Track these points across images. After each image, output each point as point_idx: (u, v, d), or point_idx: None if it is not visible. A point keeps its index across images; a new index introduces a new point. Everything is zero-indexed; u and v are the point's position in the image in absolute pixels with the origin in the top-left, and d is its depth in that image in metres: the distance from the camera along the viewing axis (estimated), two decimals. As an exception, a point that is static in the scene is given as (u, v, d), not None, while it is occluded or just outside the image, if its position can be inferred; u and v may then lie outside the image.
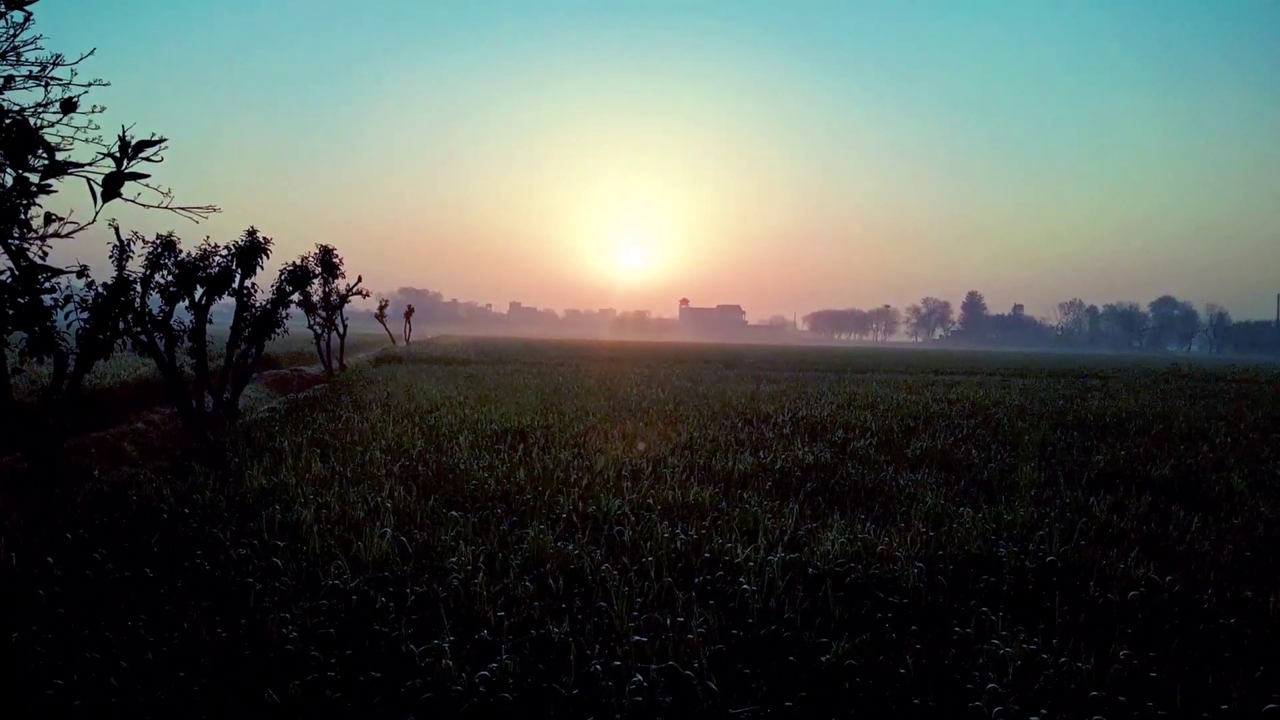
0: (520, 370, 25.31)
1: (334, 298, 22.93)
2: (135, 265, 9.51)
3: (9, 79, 4.10)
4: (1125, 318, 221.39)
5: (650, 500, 7.00)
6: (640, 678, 3.61)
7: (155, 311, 10.29)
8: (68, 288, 7.69)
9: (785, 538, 6.02)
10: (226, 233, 11.21)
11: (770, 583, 4.93)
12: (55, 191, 3.52)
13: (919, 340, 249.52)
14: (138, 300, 9.66)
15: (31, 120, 3.44)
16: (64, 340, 7.49)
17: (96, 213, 3.55)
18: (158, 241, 10.00)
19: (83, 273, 7.94)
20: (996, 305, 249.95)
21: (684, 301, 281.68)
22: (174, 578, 4.83)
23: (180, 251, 10.31)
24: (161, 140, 3.48)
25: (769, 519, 6.51)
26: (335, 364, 23.94)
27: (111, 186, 3.41)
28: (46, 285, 3.70)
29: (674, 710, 3.48)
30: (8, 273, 5.66)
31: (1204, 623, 4.61)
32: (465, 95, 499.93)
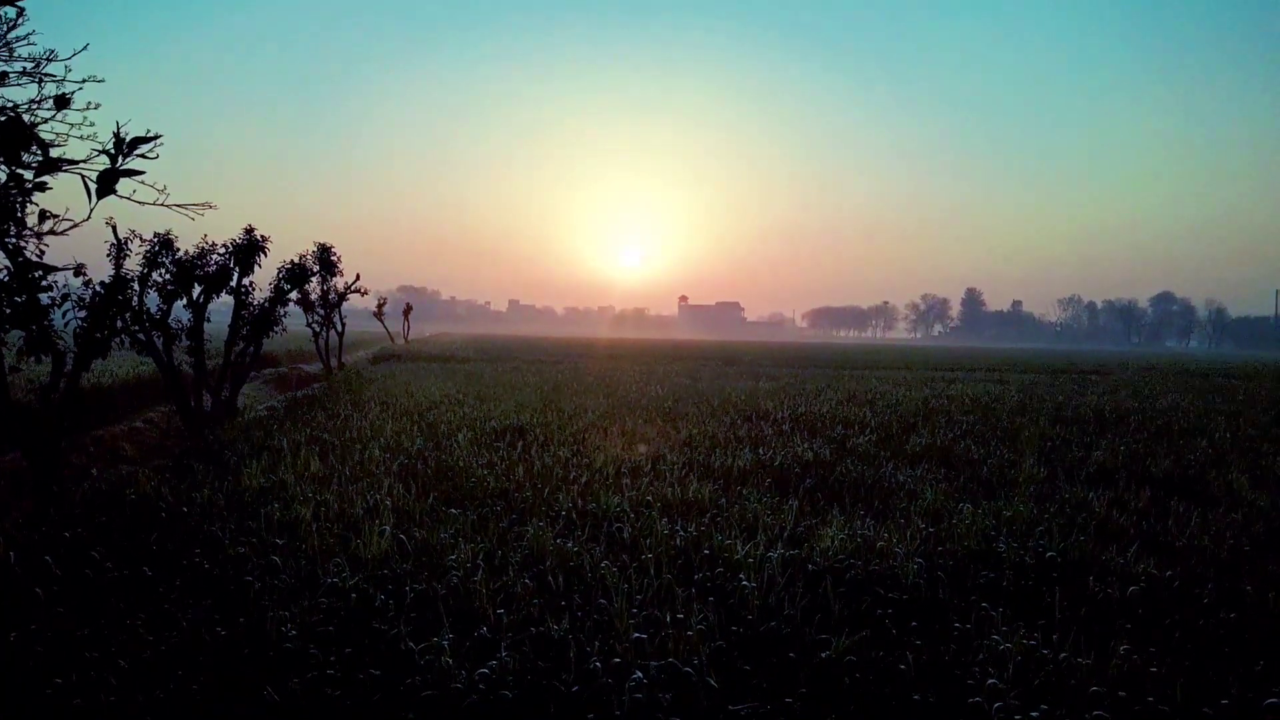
0: (519, 368, 25.30)
1: (332, 296, 22.91)
2: (133, 264, 9.50)
3: (2, 75, 4.09)
4: (1124, 313, 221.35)
5: (650, 497, 6.99)
6: (640, 675, 3.61)
7: (153, 310, 10.28)
8: (65, 286, 7.67)
9: (785, 534, 6.02)
10: (224, 231, 11.17)
11: (770, 579, 4.93)
12: (50, 189, 3.51)
13: (918, 337, 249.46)
14: (135, 299, 9.65)
15: (25, 116, 3.43)
16: (62, 339, 7.47)
17: (91, 210, 3.54)
18: (155, 240, 9.98)
19: (79, 271, 7.93)
20: (995, 301, 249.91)
21: (683, 299, 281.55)
22: (173, 576, 4.82)
23: (178, 250, 10.29)
24: (156, 137, 3.46)
25: (768, 515, 6.51)
26: (334, 362, 23.92)
27: (106, 183, 3.39)
28: (43, 284, 3.68)
29: (674, 707, 3.47)
30: (4, 271, 5.65)
31: (1204, 618, 4.61)
32: (464, 93, 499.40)
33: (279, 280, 13.00)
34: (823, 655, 3.96)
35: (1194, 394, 20.25)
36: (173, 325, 10.54)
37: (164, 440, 10.80)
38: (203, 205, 4.13)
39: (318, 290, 21.79)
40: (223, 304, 11.84)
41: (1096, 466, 9.16)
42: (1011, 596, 4.94)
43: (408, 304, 57.62)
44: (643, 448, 9.63)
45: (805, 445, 9.96)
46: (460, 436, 9.90)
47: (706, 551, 5.49)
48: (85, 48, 4.37)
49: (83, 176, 3.45)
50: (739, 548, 5.53)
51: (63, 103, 3.69)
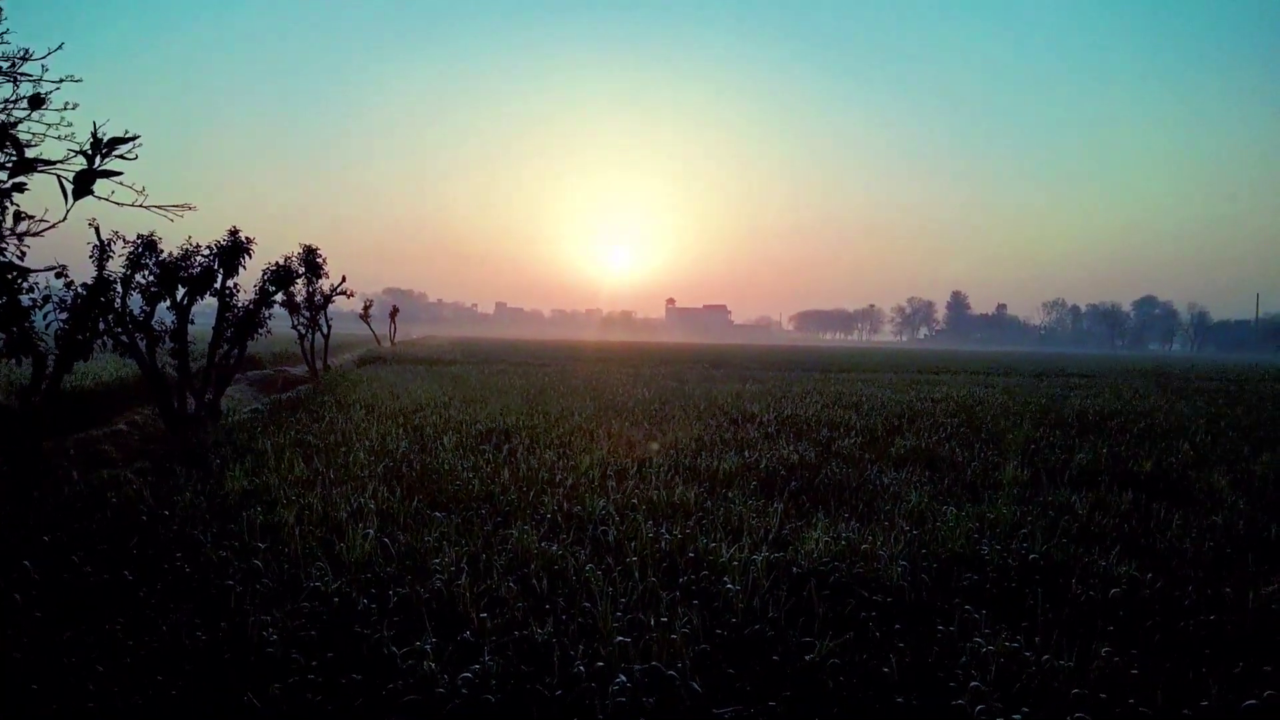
0: (506, 370, 25.25)
1: (318, 298, 22.81)
2: (116, 265, 9.44)
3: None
4: (1108, 317, 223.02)
5: (635, 500, 6.99)
6: (624, 678, 3.60)
7: (136, 312, 10.21)
8: (46, 288, 7.61)
9: (770, 537, 6.03)
10: (209, 232, 11.10)
11: (754, 582, 4.93)
12: (27, 189, 3.47)
13: (904, 340, 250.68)
14: (118, 300, 9.58)
15: (0, 116, 3.40)
16: (43, 341, 7.42)
17: (67, 211, 3.51)
18: (139, 241, 9.92)
19: (61, 273, 7.86)
20: (980, 305, 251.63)
21: (670, 301, 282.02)
22: (153, 580, 4.78)
23: (162, 251, 10.22)
24: (135, 137, 3.43)
25: (753, 518, 6.51)
26: (319, 364, 23.81)
27: (83, 184, 3.36)
28: (22, 285, 3.63)
29: (657, 711, 3.47)
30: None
31: (1185, 620, 4.64)
32: (452, 94, 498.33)
33: (264, 282, 12.92)
34: (806, 658, 3.96)
35: (1175, 397, 20.41)
36: (156, 327, 10.46)
37: (146, 443, 10.72)
38: (182, 206, 4.10)
39: (303, 292, 21.68)
40: (207, 306, 11.76)
41: (1079, 469, 9.21)
42: (994, 599, 4.96)
43: (394, 306, 57.45)
44: (628, 447, 9.62)
45: (791, 448, 9.98)
46: (446, 439, 9.87)
47: (691, 554, 5.49)
48: (60, 46, 4.32)
49: (59, 177, 3.41)
50: (724, 550, 5.54)
51: (37, 102, 3.65)
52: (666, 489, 7.39)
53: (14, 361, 7.16)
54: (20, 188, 3.32)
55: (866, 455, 9.78)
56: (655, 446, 9.87)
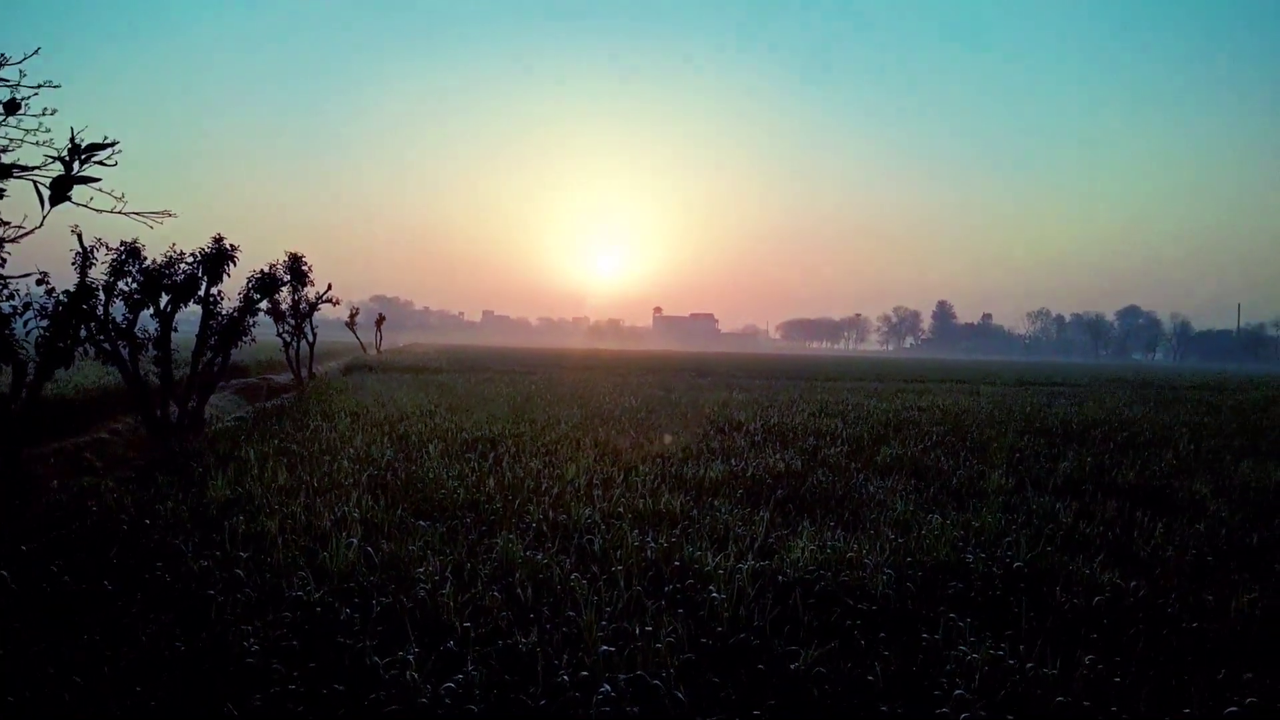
0: (492, 379, 25.19)
1: (303, 306, 22.71)
2: (99, 272, 9.37)
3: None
4: (1091, 326, 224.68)
5: (621, 508, 6.97)
6: (608, 688, 3.58)
7: (119, 319, 10.14)
8: (27, 294, 7.54)
9: (755, 545, 6.02)
10: (193, 240, 11.06)
11: (740, 591, 4.92)
12: (6, 196, 3.44)
13: (890, 349, 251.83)
14: (101, 308, 9.51)
15: (-27, 122, 3.38)
16: (23, 348, 7.35)
17: (44, 217, 3.48)
18: (122, 248, 9.85)
19: (42, 280, 7.80)
20: (966, 314, 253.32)
21: (657, 310, 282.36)
22: (134, 590, 4.72)
23: (145, 259, 10.16)
24: (114, 143, 3.41)
25: (739, 527, 6.51)
26: (304, 373, 23.69)
27: (59, 190, 3.34)
28: (1, 292, 3.60)
29: (642, 720, 3.45)
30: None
31: (1168, 627, 4.66)
32: (439, 102, 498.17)
33: (248, 290, 12.83)
34: (792, 667, 3.96)
35: (1159, 406, 20.56)
36: (139, 335, 10.39)
37: (129, 451, 10.62)
38: (162, 213, 4.08)
39: (288, 300, 21.57)
40: (191, 313, 11.68)
41: (1064, 477, 9.26)
42: (979, 607, 4.97)
43: (380, 314, 57.31)
44: (614, 456, 9.60)
45: (777, 456, 9.98)
46: (431, 448, 9.83)
47: (677, 563, 5.47)
48: (36, 51, 4.28)
49: (35, 183, 3.39)
50: (710, 559, 5.53)
51: (12, 107, 3.62)
52: (653, 497, 7.38)
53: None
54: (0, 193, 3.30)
55: (853, 464, 9.80)
56: (641, 454, 9.86)
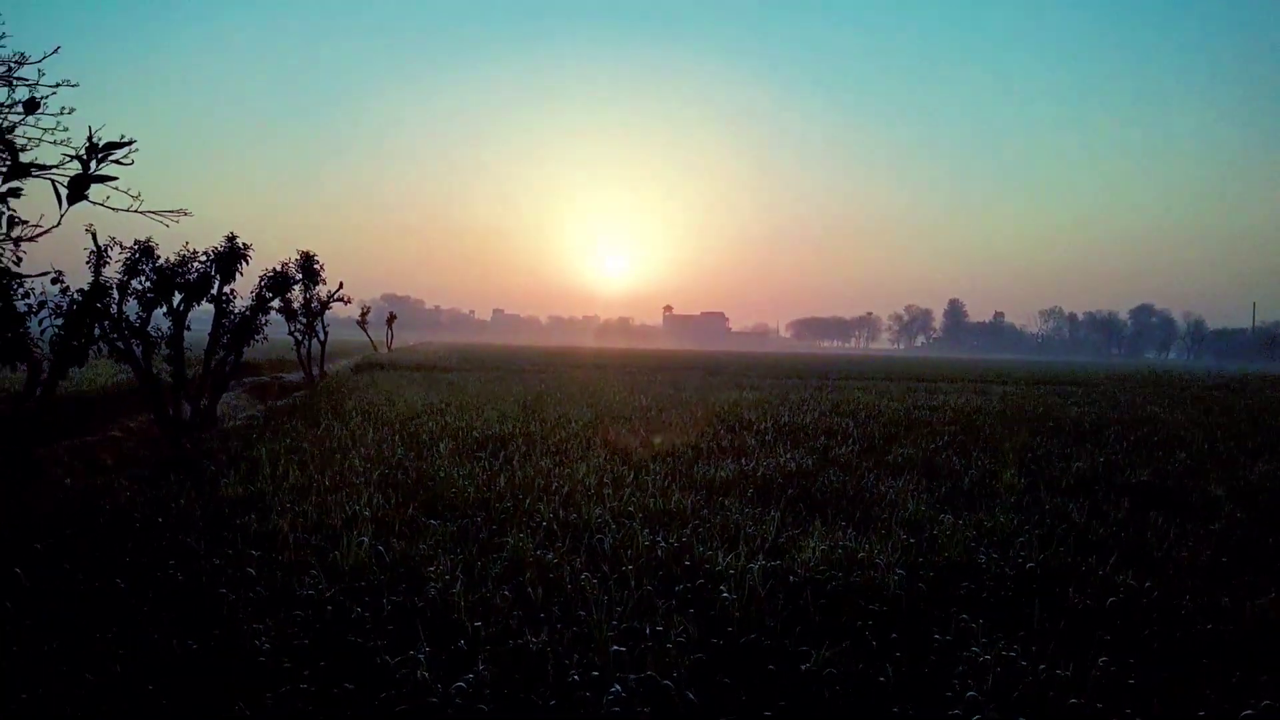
0: (503, 377, 25.23)
1: (315, 304, 22.76)
2: (113, 271, 9.43)
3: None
4: (1104, 325, 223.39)
5: (632, 508, 6.97)
6: (619, 688, 3.58)
7: (133, 318, 10.19)
8: (42, 293, 7.59)
9: (766, 545, 6.00)
10: (206, 238, 11.10)
11: (751, 591, 4.91)
12: (22, 194, 3.47)
13: (901, 347, 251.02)
14: (115, 306, 9.56)
15: (-5, 121, 3.42)
16: (38, 347, 7.39)
17: (61, 216, 3.50)
18: (135, 247, 9.90)
19: (57, 279, 7.84)
20: (978, 313, 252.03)
21: (668, 308, 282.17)
22: (146, 588, 4.75)
23: (159, 257, 10.21)
24: (130, 142, 3.43)
25: (750, 526, 6.49)
26: (316, 371, 23.76)
27: (77, 189, 3.36)
28: (17, 291, 3.63)
29: (652, 720, 3.45)
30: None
31: (1182, 629, 4.63)
32: (450, 100, 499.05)
33: (261, 288, 12.89)
34: (803, 667, 3.95)
35: (1172, 405, 20.42)
36: (152, 333, 10.44)
37: (142, 449, 10.68)
38: (178, 212, 4.10)
39: (300, 299, 21.62)
40: (203, 312, 11.73)
41: (1076, 477, 9.20)
42: (992, 607, 4.94)
43: (391, 313, 57.44)
44: (625, 455, 9.60)
45: (788, 455, 9.96)
46: (442, 446, 9.85)
47: (688, 563, 5.47)
48: (56, 50, 4.33)
49: (53, 182, 3.41)
50: (720, 559, 5.52)
51: (32, 106, 3.65)
52: (663, 496, 7.38)
53: (9, 368, 7.14)
54: (15, 193, 3.32)
55: (864, 463, 9.76)
56: (651, 453, 9.85)
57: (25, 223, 3.72)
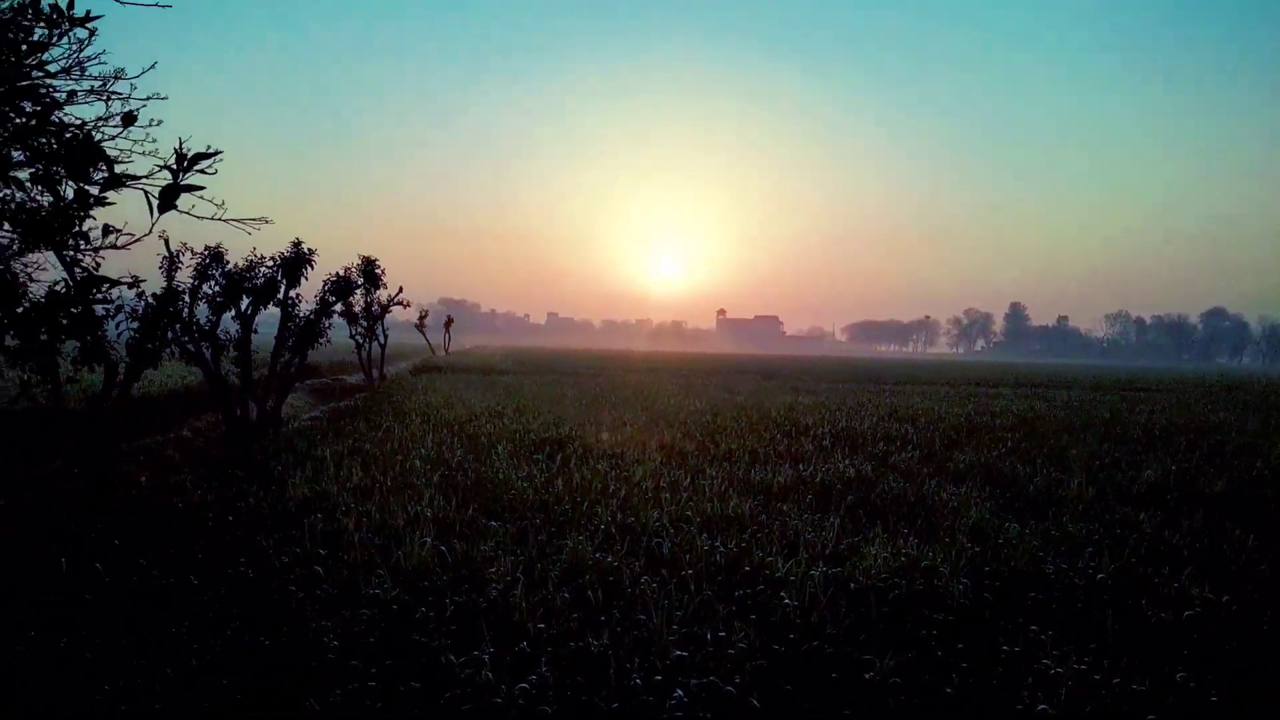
0: (557, 380, 25.40)
1: (375, 308, 23.17)
2: (184, 276, 9.71)
3: (71, 94, 4.24)
4: (1174, 329, 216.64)
5: (689, 512, 6.95)
6: (681, 693, 3.57)
7: (202, 321, 10.48)
8: (118, 298, 7.86)
9: (826, 551, 5.94)
10: (270, 243, 11.38)
11: (811, 597, 4.86)
12: (114, 204, 3.62)
13: (960, 352, 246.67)
14: (186, 310, 9.85)
15: (92, 134, 3.55)
16: (114, 349, 7.65)
17: (153, 224, 3.64)
18: (206, 253, 10.19)
19: (135, 283, 8.11)
20: (1040, 316, 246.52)
21: (721, 312, 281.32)
22: (218, 585, 4.88)
23: (227, 263, 10.49)
24: (217, 153, 3.54)
25: (809, 532, 6.42)
26: (376, 373, 24.19)
27: (168, 199, 3.49)
28: (103, 296, 3.78)
29: (715, 726, 3.43)
30: (62, 284, 5.81)
31: (1265, 647, 4.45)
32: (505, 106, 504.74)
33: (324, 292, 13.16)
34: (866, 676, 3.89)
35: (1246, 411, 19.68)
36: (221, 336, 10.72)
37: (210, 449, 10.98)
38: (259, 220, 4.21)
39: (361, 303, 22.03)
40: (269, 316, 12.01)
41: (1146, 486, 8.93)
42: (1060, 619, 4.82)
43: (448, 316, 58.19)
44: (681, 459, 9.58)
45: (846, 461, 9.84)
46: (500, 448, 9.94)
47: (747, 568, 5.43)
48: (153, 66, 4.52)
49: (145, 192, 3.55)
50: (780, 565, 5.47)
51: (130, 120, 3.80)
52: (720, 501, 7.34)
53: (87, 369, 7.40)
54: (103, 201, 3.45)
55: (924, 470, 9.60)
56: (707, 458, 9.81)
57: (118, 231, 3.87)
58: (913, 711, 3.66)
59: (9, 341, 4.05)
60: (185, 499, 6.98)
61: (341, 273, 13.90)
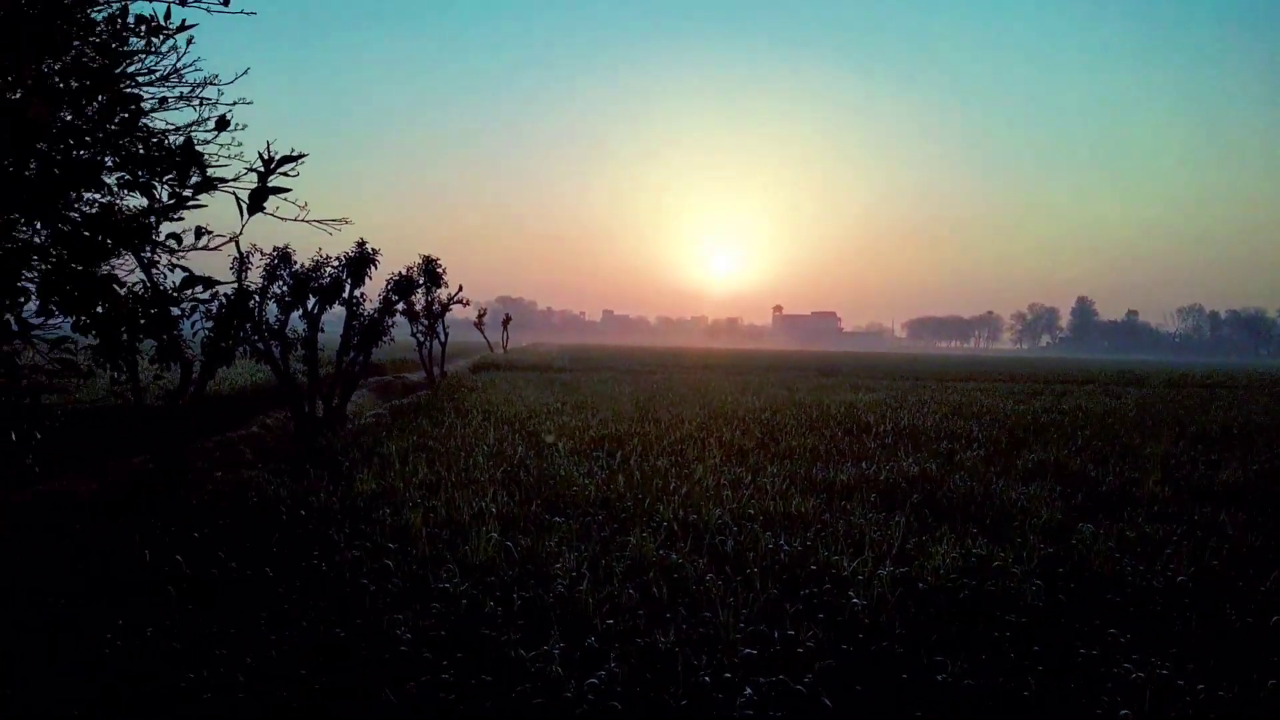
0: (615, 377, 25.49)
1: (436, 306, 23.49)
2: (254, 276, 9.97)
3: (163, 99, 4.40)
4: (1251, 324, 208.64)
5: (751, 510, 6.91)
6: (750, 691, 3.56)
7: (272, 320, 10.75)
8: (193, 296, 8.09)
9: (892, 551, 5.85)
10: (334, 244, 11.62)
11: (879, 597, 4.80)
12: (205, 206, 3.74)
13: (1024, 348, 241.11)
14: (256, 310, 10.11)
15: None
16: (189, 347, 7.89)
17: (243, 226, 3.75)
18: (275, 254, 10.46)
19: (210, 284, 8.34)
20: (1108, 311, 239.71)
21: (777, 308, 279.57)
22: (292, 577, 5.00)
23: (295, 263, 10.75)
24: (302, 155, 3.63)
25: (875, 531, 6.34)
26: (437, 371, 24.54)
27: (256, 200, 3.59)
28: (204, 295, 3.93)
29: (785, 725, 3.41)
30: (140, 285, 6.01)
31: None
32: (558, 109, 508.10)
33: (387, 291, 13.40)
34: (939, 678, 3.83)
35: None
36: (289, 335, 10.99)
37: (279, 444, 11.27)
38: (340, 220, 4.30)
39: (422, 301, 22.35)
40: (334, 315, 12.26)
41: (1225, 486, 8.62)
42: (1138, 622, 4.68)
43: (506, 315, 58.77)
44: (741, 456, 9.54)
45: (910, 460, 9.69)
46: (560, 445, 10.01)
47: (813, 567, 5.38)
48: (246, 72, 4.66)
49: (235, 194, 3.65)
50: (846, 564, 5.41)
51: (223, 124, 3.92)
52: (783, 499, 7.29)
53: (163, 367, 7.65)
54: (195, 204, 3.57)
55: (991, 469, 9.40)
56: (767, 455, 9.74)
57: (210, 233, 4.00)
58: (988, 715, 3.59)
59: (91, 340, 4.23)
60: (259, 493, 7.17)
61: (404, 272, 14.14)
